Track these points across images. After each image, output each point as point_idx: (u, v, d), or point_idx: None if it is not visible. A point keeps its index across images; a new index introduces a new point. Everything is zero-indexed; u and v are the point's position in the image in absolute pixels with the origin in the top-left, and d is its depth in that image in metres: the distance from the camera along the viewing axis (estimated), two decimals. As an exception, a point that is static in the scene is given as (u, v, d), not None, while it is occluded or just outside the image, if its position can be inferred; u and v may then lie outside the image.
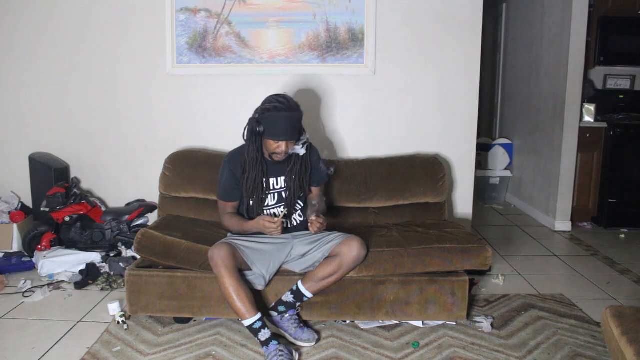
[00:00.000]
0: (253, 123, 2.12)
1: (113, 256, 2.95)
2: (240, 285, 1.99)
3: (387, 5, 3.01)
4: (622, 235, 3.89)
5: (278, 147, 2.10)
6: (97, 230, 3.02)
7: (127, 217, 3.02)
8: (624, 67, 4.30)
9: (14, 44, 3.15)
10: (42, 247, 2.97)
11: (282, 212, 2.19)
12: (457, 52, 3.05)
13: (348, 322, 2.35)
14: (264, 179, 2.21)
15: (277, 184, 2.25)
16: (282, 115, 2.06)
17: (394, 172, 2.76)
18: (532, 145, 4.56)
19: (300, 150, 2.18)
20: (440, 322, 2.33)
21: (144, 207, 3.06)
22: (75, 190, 3.02)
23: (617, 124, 4.01)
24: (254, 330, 2.00)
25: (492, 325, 2.32)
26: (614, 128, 3.98)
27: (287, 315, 2.20)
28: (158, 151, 3.01)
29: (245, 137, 2.19)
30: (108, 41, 3.10)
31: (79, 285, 2.72)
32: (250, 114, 2.19)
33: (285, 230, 2.27)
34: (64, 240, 3.04)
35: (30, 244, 3.02)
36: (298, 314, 2.24)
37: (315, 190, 2.33)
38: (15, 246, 3.13)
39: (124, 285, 2.46)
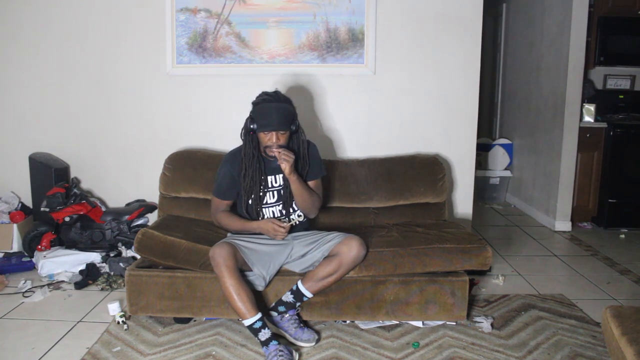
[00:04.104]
0: (247, 121, 2.16)
1: (113, 256, 2.95)
2: (241, 285, 1.99)
3: (387, 5, 3.01)
4: (622, 235, 3.89)
5: (269, 140, 2.12)
6: (97, 230, 3.02)
7: (127, 217, 3.02)
8: (624, 67, 4.30)
9: (14, 44, 3.15)
10: (42, 247, 2.97)
11: (293, 219, 2.26)
12: (457, 52, 3.05)
13: (348, 322, 2.35)
14: (262, 177, 2.21)
15: (276, 182, 2.26)
16: (269, 106, 2.11)
17: (394, 172, 2.76)
18: (532, 145, 4.56)
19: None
20: (440, 322, 2.33)
21: (144, 207, 3.06)
22: (75, 190, 3.02)
23: (617, 124, 4.01)
24: (254, 330, 2.00)
25: (492, 325, 2.32)
26: (614, 128, 3.98)
27: (287, 315, 2.20)
28: (158, 151, 3.01)
29: (242, 137, 2.21)
30: (108, 41, 3.11)
31: (79, 285, 2.72)
32: (250, 114, 2.21)
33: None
34: (64, 240, 3.04)
35: (30, 244, 3.02)
36: (298, 314, 2.24)
37: (312, 184, 2.31)
38: (15, 246, 3.13)
39: (124, 285, 2.46)
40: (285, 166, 2.10)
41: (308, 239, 2.23)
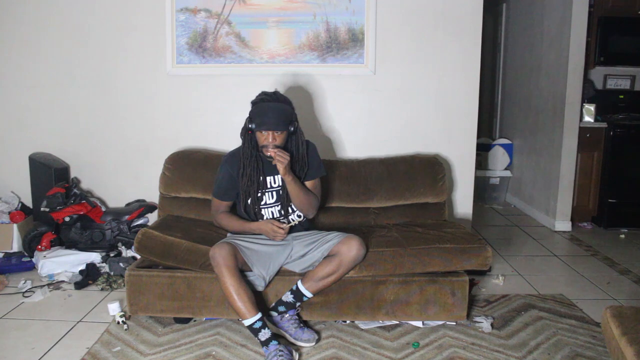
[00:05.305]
0: (246, 120, 2.16)
1: (113, 256, 2.95)
2: (241, 285, 1.99)
3: (387, 5, 3.01)
4: (622, 235, 3.89)
5: (266, 139, 2.12)
6: (97, 230, 3.02)
7: (127, 217, 3.02)
8: (624, 67, 4.30)
9: (15, 43, 3.15)
10: (42, 247, 2.97)
11: (293, 220, 2.27)
12: (457, 52, 3.05)
13: (348, 322, 2.35)
14: (260, 177, 2.22)
15: (275, 182, 2.26)
16: (267, 106, 2.12)
17: (394, 172, 2.76)
18: (532, 145, 4.56)
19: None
20: (440, 322, 2.33)
21: (144, 207, 3.06)
22: (75, 190, 3.02)
23: (617, 124, 4.01)
24: (254, 330, 2.00)
25: (492, 325, 2.32)
26: (614, 128, 3.98)
27: (287, 315, 2.20)
28: (158, 151, 3.01)
29: (242, 136, 2.22)
30: (108, 41, 3.11)
31: (79, 285, 2.72)
32: (250, 114, 2.21)
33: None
34: (64, 240, 3.04)
35: (30, 244, 3.02)
36: (298, 314, 2.24)
37: (310, 183, 2.31)
38: (15, 246, 3.13)
39: (124, 285, 2.46)
40: (280, 167, 2.10)
41: (308, 239, 2.23)
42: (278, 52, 3.06)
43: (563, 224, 4.02)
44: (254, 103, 2.18)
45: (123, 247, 3.01)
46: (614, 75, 4.36)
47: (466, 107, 3.11)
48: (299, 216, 2.31)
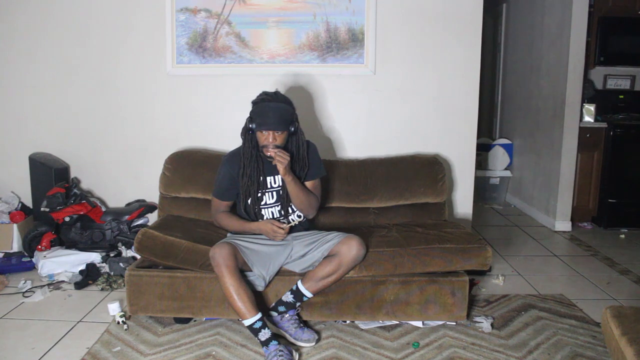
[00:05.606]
0: (246, 120, 2.17)
1: (113, 256, 2.95)
2: (241, 285, 1.99)
3: (387, 5, 3.01)
4: (622, 235, 3.89)
5: (266, 139, 2.13)
6: (97, 230, 3.02)
7: (127, 217, 3.02)
8: (624, 67, 4.30)
9: (14, 44, 3.15)
10: (42, 247, 2.97)
11: (293, 220, 2.27)
12: (457, 52, 3.05)
13: (348, 322, 2.35)
14: (260, 177, 2.22)
15: (275, 182, 2.26)
16: (267, 106, 2.12)
17: (394, 172, 2.76)
18: (532, 146, 4.56)
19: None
20: (440, 322, 2.33)
21: (144, 207, 3.06)
22: (75, 190, 3.02)
23: (617, 124, 4.01)
24: (254, 330, 2.00)
25: (492, 325, 2.32)
26: (614, 128, 3.98)
27: (287, 315, 2.20)
28: (158, 151, 3.01)
29: (242, 136, 2.22)
30: (108, 41, 3.11)
31: (79, 285, 2.72)
32: (250, 114, 2.21)
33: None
34: (64, 240, 3.05)
35: (30, 244, 3.02)
36: (298, 314, 2.24)
37: (310, 184, 2.31)
38: (15, 246, 3.13)
39: (124, 285, 2.47)
40: (280, 167, 2.10)
41: (308, 239, 2.23)
42: (278, 52, 3.06)
43: (563, 224, 4.02)
44: (254, 103, 2.18)
45: (123, 247, 3.01)
46: (614, 75, 4.37)
47: (466, 107, 3.11)
48: (299, 216, 2.31)
